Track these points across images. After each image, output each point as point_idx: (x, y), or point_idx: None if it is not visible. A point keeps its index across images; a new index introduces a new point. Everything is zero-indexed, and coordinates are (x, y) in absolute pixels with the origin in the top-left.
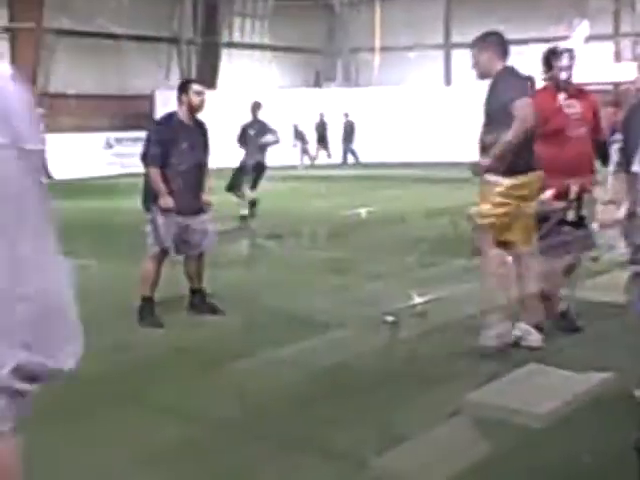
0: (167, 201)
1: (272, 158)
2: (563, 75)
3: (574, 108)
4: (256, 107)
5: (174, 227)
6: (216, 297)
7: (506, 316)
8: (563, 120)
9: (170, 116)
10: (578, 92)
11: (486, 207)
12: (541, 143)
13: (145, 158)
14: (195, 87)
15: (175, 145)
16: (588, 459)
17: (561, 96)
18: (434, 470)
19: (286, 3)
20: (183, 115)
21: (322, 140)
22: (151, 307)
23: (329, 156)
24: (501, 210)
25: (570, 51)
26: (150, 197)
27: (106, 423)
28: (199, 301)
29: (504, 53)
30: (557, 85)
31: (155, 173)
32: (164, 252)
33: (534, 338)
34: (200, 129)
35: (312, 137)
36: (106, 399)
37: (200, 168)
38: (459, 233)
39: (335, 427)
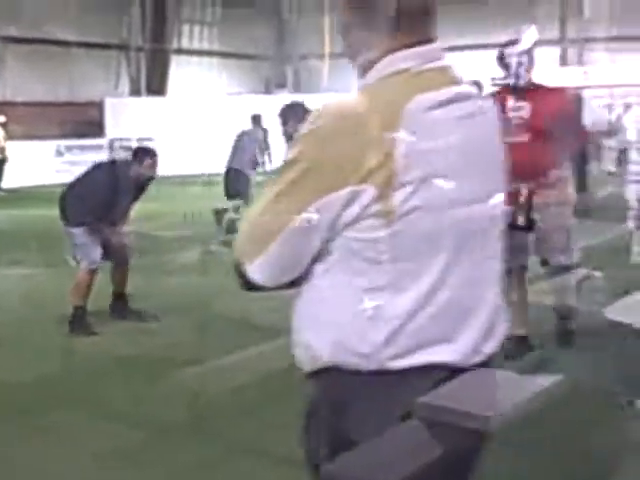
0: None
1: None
2: (512, 78)
3: (520, 112)
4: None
5: (99, 240)
6: (167, 303)
7: None
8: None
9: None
10: (535, 93)
11: None
12: None
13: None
14: (147, 161)
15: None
16: (540, 461)
17: (510, 101)
18: (385, 473)
19: (235, 10)
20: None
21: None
22: (82, 316)
23: (270, 162)
24: None
25: (521, 53)
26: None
27: (56, 428)
28: (121, 306)
29: None
30: (508, 89)
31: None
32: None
33: None
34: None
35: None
36: (56, 403)
37: None
38: None
39: (285, 431)
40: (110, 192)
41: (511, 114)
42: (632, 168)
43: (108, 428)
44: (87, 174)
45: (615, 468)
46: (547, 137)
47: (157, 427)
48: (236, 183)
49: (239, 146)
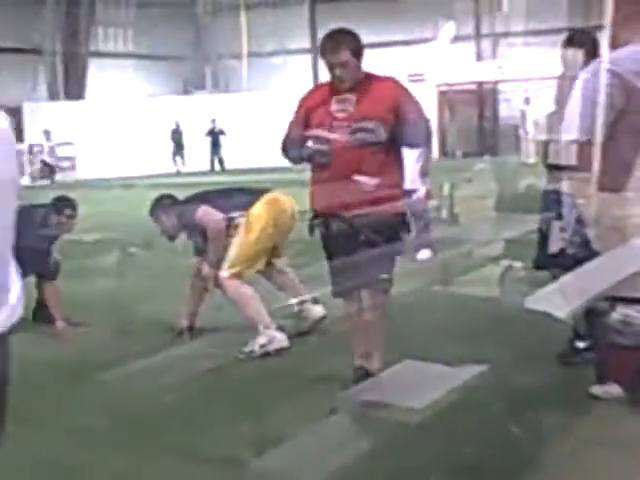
0: None
1: (143, 166)
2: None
3: (344, 105)
4: None
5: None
6: (84, 307)
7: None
8: (323, 121)
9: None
10: (363, 83)
11: None
12: None
13: None
14: (68, 211)
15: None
16: (468, 450)
17: (334, 95)
18: (313, 468)
19: (149, 10)
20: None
21: (179, 148)
22: None
23: (183, 164)
24: None
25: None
26: None
27: None
28: (44, 312)
29: None
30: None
31: None
32: None
33: (281, 337)
34: None
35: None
36: None
37: None
38: None
39: (211, 431)
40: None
41: (333, 108)
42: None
43: (31, 436)
44: None
45: (532, 460)
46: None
47: (78, 434)
48: None
49: None
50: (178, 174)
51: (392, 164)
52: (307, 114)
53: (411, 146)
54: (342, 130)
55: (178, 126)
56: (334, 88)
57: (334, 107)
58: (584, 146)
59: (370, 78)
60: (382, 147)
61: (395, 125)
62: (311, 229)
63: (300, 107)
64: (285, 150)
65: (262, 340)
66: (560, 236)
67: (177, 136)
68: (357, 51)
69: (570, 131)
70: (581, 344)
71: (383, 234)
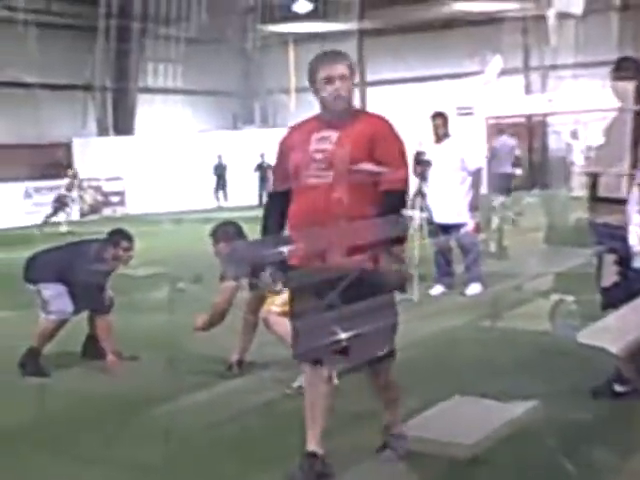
0: None
1: (192, 200)
2: (328, 100)
3: (323, 144)
4: None
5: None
6: (135, 342)
7: None
8: (300, 161)
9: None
10: (347, 120)
11: None
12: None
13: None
14: (125, 244)
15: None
16: None
17: (316, 132)
18: None
19: (199, 47)
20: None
21: (221, 182)
22: (36, 358)
23: (226, 199)
24: None
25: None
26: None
27: (29, 473)
28: (94, 347)
29: None
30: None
31: None
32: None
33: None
34: None
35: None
36: (26, 450)
37: None
38: None
39: (266, 467)
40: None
41: (313, 147)
42: None
43: (83, 472)
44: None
45: None
46: (357, 175)
47: (136, 469)
48: None
49: None
50: (220, 209)
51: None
52: (286, 155)
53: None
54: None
55: (220, 160)
56: (321, 122)
57: (313, 146)
58: None
59: (358, 114)
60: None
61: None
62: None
63: (281, 147)
64: (265, 209)
65: None
66: (613, 270)
67: (220, 171)
68: (353, 71)
69: None
70: (621, 388)
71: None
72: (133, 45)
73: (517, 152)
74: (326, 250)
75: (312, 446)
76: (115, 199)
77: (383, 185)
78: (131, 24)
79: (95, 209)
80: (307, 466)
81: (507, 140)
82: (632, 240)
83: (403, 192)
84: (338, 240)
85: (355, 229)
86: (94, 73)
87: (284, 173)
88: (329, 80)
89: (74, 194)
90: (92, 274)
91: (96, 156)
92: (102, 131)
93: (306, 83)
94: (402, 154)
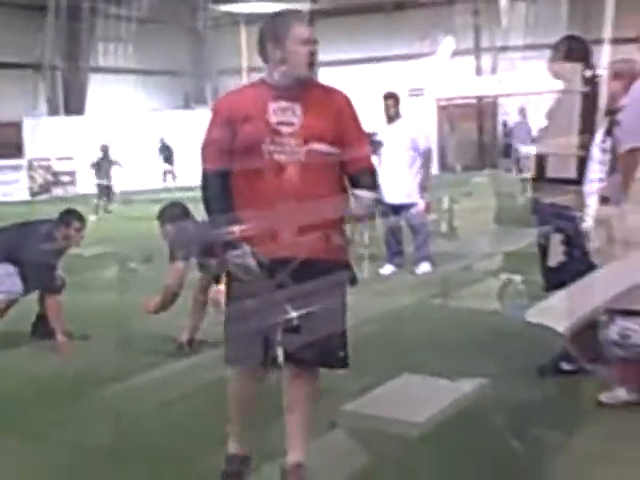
0: None
1: (139, 180)
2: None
3: (288, 116)
4: None
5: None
6: (85, 321)
7: None
8: (259, 133)
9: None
10: (306, 91)
11: None
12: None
13: None
14: (76, 224)
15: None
16: (468, 466)
17: (272, 102)
18: None
19: (150, 26)
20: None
21: (168, 162)
22: None
23: (174, 179)
24: None
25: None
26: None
27: None
28: (44, 326)
29: None
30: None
31: None
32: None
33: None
34: None
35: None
36: None
37: None
38: None
39: (212, 445)
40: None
41: (275, 118)
42: None
43: (31, 451)
44: (21, 229)
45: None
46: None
47: (82, 448)
48: None
49: None
50: (169, 190)
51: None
52: (231, 126)
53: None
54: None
55: (164, 142)
56: (275, 90)
57: (274, 118)
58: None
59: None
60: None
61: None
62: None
63: (221, 117)
64: (206, 189)
65: None
66: (560, 250)
67: (165, 152)
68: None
69: (629, 140)
70: (567, 367)
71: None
72: (84, 24)
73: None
74: (304, 238)
75: (232, 447)
76: (66, 179)
77: (355, 164)
78: (81, 3)
79: (46, 189)
80: (227, 470)
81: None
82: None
83: (375, 170)
84: (315, 226)
85: (329, 213)
86: (44, 52)
87: (226, 146)
88: (306, 41)
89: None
90: (43, 254)
91: (47, 136)
92: (53, 111)
93: (257, 63)
94: (364, 131)
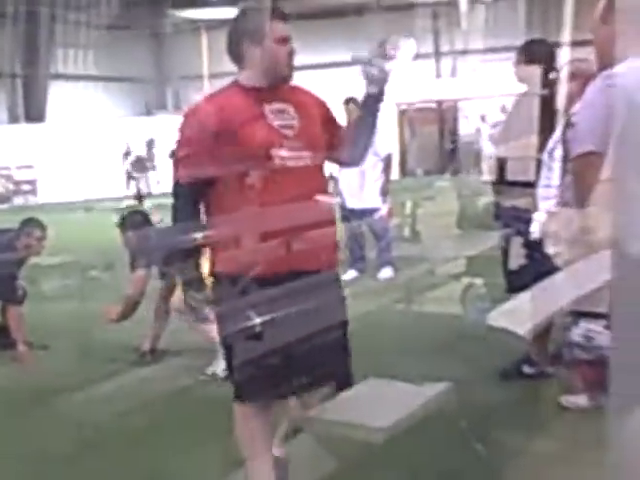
0: None
1: (104, 188)
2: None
3: (286, 118)
4: None
5: None
6: (46, 331)
7: None
8: (266, 138)
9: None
10: (292, 93)
11: None
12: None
13: None
14: (37, 233)
15: None
16: (431, 470)
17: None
18: None
19: (110, 33)
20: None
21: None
22: None
23: (148, 186)
24: None
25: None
26: None
27: None
28: (4, 337)
29: None
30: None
31: None
32: None
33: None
34: None
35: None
36: None
37: None
38: None
39: (174, 456)
40: None
41: (276, 121)
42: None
43: None
44: None
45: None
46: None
47: (42, 459)
48: None
49: None
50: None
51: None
52: (223, 133)
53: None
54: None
55: (129, 148)
56: (262, 92)
57: (276, 121)
58: (593, 159)
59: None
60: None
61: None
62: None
63: (204, 124)
64: (178, 199)
65: (224, 364)
66: (521, 253)
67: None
68: None
69: (584, 143)
70: (529, 370)
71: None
72: (43, 30)
73: None
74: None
75: None
76: (26, 187)
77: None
78: (40, 9)
79: (6, 198)
80: None
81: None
82: (533, 227)
83: None
84: (328, 235)
85: (330, 217)
86: (3, 59)
87: (208, 154)
88: (284, 40)
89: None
90: (3, 264)
91: (6, 144)
92: (13, 119)
93: (218, 69)
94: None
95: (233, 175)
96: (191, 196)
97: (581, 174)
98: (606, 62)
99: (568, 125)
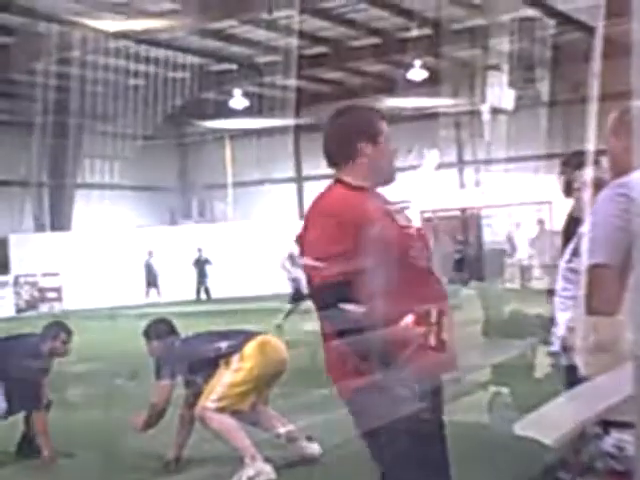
0: None
1: (128, 296)
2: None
3: (403, 218)
4: None
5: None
6: (70, 439)
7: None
8: (403, 237)
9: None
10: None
11: None
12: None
13: None
14: (62, 336)
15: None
16: None
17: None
18: None
19: (137, 143)
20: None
21: (202, 275)
22: None
23: (159, 294)
24: None
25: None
26: None
27: None
28: (31, 444)
29: None
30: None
31: None
32: None
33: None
34: None
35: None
36: None
37: None
38: (316, 363)
39: None
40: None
41: (402, 222)
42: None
43: None
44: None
45: None
46: None
47: None
48: None
49: None
50: (155, 305)
51: None
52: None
53: None
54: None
55: (150, 258)
56: (369, 192)
57: (402, 222)
58: (604, 270)
59: None
60: None
61: None
62: None
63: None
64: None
65: (249, 472)
66: (547, 362)
67: (150, 267)
68: None
69: (594, 255)
70: (566, 476)
71: None
72: (70, 140)
73: None
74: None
75: None
76: (52, 295)
77: None
78: (68, 120)
79: (32, 305)
80: None
81: None
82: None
83: None
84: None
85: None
86: (31, 169)
87: (354, 255)
88: (389, 140)
89: None
90: (30, 371)
91: (33, 252)
92: (39, 227)
93: (242, 178)
94: None
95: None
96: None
97: (592, 285)
98: (618, 172)
99: (579, 236)
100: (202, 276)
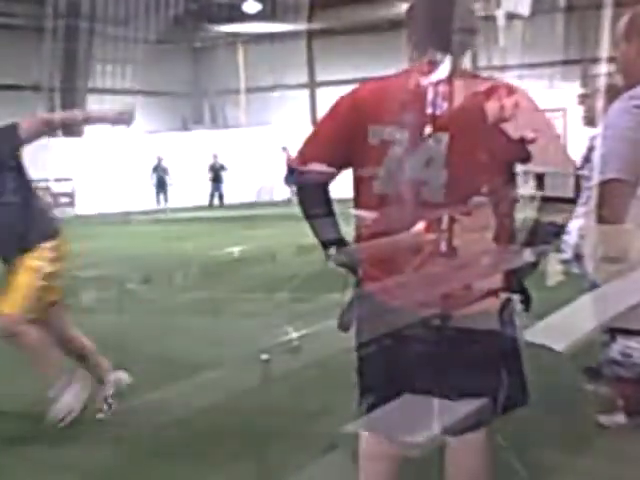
0: None
1: (140, 201)
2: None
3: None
4: None
5: None
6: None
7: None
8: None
9: None
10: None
11: None
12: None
13: None
14: None
15: None
16: None
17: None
18: None
19: (148, 47)
20: None
21: (216, 181)
22: None
23: (166, 201)
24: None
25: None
26: None
27: None
28: None
29: None
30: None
31: None
32: None
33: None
34: None
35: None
36: None
37: None
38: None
39: (211, 469)
40: None
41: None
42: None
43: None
44: None
45: None
46: None
47: (84, 471)
48: None
49: None
50: (165, 211)
51: None
52: None
53: None
54: None
55: (160, 162)
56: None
57: None
58: (617, 185)
59: None
60: None
61: None
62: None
63: None
64: None
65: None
66: (559, 269)
67: (160, 173)
68: None
69: (607, 170)
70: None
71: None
72: (82, 44)
73: None
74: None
75: None
76: (64, 200)
77: None
78: (79, 24)
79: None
80: None
81: None
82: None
83: None
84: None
85: None
86: (42, 73)
87: None
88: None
89: None
90: None
91: (45, 157)
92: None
93: (255, 83)
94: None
95: None
96: None
97: (604, 198)
98: (631, 81)
99: (591, 147)
100: (217, 182)
